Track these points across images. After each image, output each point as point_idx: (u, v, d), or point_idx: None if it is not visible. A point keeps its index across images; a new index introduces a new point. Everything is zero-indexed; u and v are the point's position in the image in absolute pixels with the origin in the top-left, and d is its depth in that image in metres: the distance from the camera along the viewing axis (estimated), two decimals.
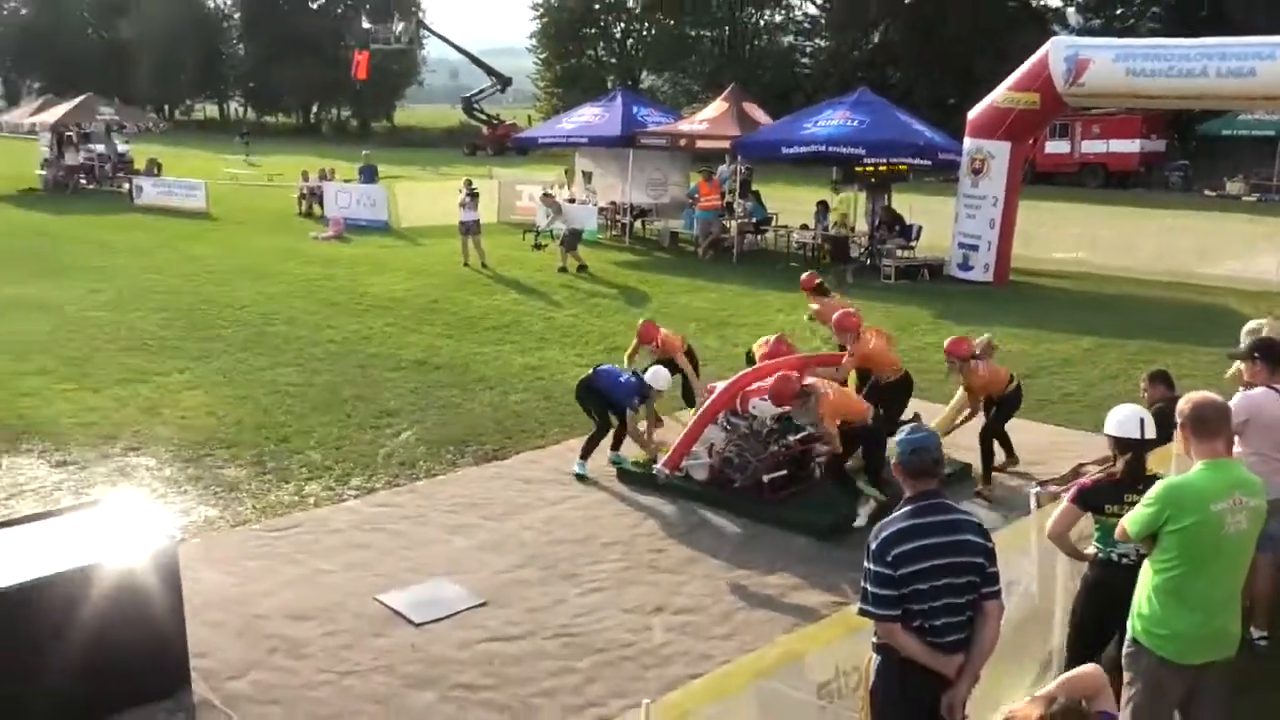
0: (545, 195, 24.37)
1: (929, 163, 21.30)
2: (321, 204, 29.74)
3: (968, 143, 20.59)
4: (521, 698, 6.17)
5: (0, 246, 23.59)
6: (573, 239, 21.58)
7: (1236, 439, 6.18)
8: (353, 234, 26.52)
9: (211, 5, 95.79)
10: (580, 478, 9.75)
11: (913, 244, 21.96)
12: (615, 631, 6.96)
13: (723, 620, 7.15)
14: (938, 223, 21.97)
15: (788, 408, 8.99)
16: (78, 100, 40.63)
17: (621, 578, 7.75)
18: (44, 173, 36.95)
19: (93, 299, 17.71)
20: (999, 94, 20.17)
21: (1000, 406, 9.80)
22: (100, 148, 37.58)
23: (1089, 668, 3.45)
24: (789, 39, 66.38)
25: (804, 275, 12.86)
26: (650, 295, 18.86)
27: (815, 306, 12.28)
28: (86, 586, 5.78)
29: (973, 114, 20.67)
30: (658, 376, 10.10)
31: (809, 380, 8.97)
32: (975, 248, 20.60)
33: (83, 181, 36.43)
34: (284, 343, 14.89)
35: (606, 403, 10.00)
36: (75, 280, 19.44)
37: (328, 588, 7.51)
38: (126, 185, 34.55)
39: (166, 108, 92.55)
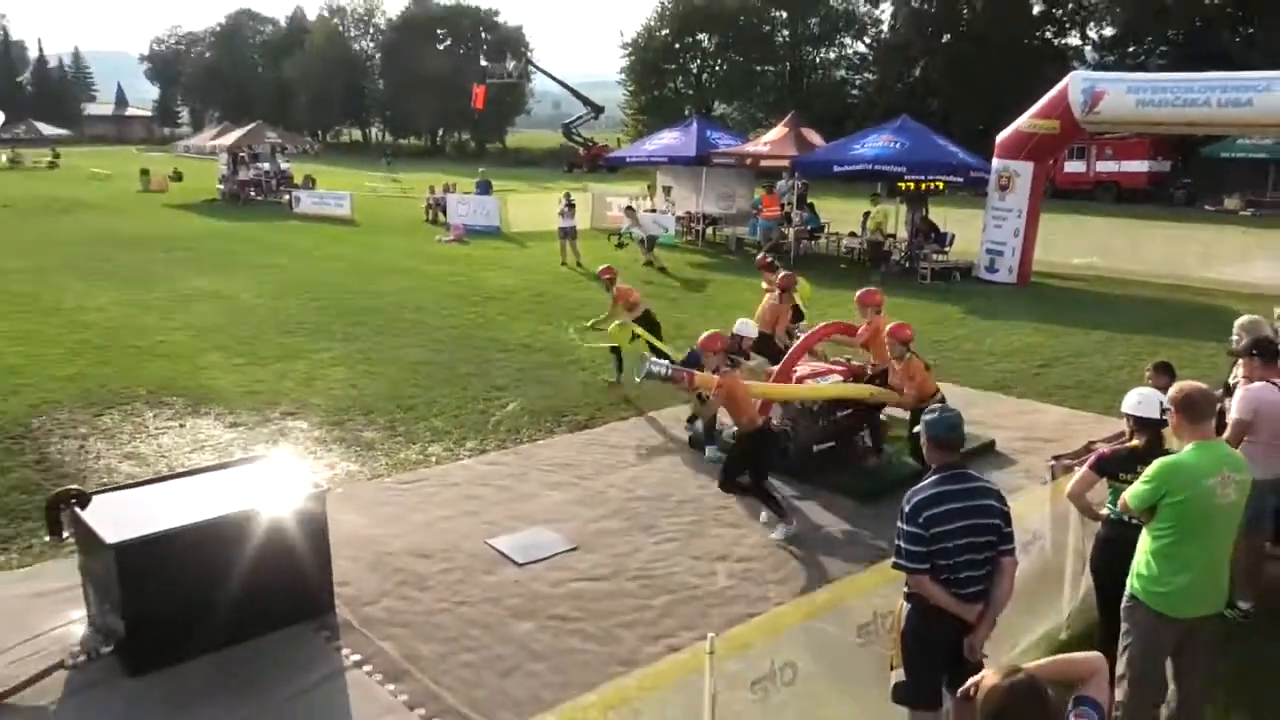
0: (628, 208, 24.81)
1: (961, 179, 20.90)
2: (445, 212, 30.04)
3: (996, 162, 20.15)
4: (605, 628, 6.20)
5: (188, 247, 24.30)
6: (650, 242, 22.47)
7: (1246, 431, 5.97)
8: (471, 237, 26.79)
9: (357, 48, 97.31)
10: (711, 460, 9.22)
11: (946, 250, 21.58)
12: (685, 575, 6.95)
13: (777, 568, 7.11)
14: (968, 231, 21.53)
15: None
16: (249, 127, 41.83)
17: (691, 530, 7.74)
18: (221, 186, 37.93)
19: (259, 290, 18.15)
20: (1024, 120, 19.69)
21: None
22: (266, 166, 38.47)
23: (1090, 654, 3.17)
24: (841, 73, 65.41)
25: (757, 257, 14.13)
26: (718, 291, 18.75)
27: (767, 281, 12.67)
28: (253, 526, 5.93)
29: (1000, 137, 20.23)
30: (745, 325, 9.93)
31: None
32: (1001, 253, 20.18)
33: (252, 194, 37.30)
34: (413, 328, 15.10)
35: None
36: (245, 275, 19.94)
37: (446, 531, 7.61)
38: (287, 196, 35.28)
39: (319, 132, 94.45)
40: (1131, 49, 50.06)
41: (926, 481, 4.35)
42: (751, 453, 7.76)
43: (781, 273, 12.34)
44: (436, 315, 15.97)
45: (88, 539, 5.83)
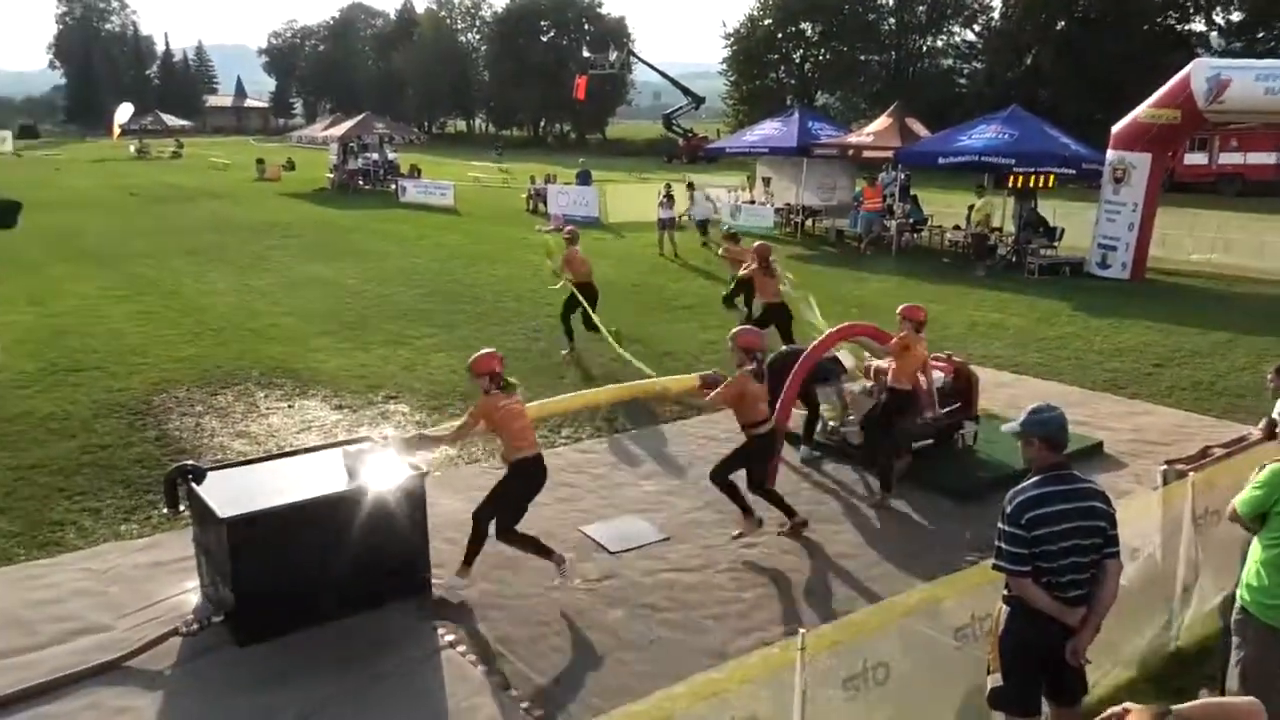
0: (689, 184, 25.94)
1: (1073, 171, 20.19)
2: (545, 202, 30.39)
3: (1110, 154, 19.37)
4: (695, 619, 6.20)
5: (298, 234, 25.13)
6: (703, 225, 23.03)
7: None
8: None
9: (463, 40, 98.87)
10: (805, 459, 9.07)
11: (1055, 244, 20.86)
12: (778, 570, 6.90)
13: (871, 566, 7.00)
14: (1079, 225, 20.76)
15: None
16: (359, 118, 42.85)
17: (784, 524, 7.66)
18: (331, 175, 39.06)
19: (366, 276, 18.67)
20: (1142, 110, 18.87)
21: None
22: (375, 156, 39.42)
23: (1247, 701, 2.94)
24: (948, 62, 63.66)
25: (724, 248, 14.83)
26: (816, 283, 18.46)
27: (725, 248, 14.48)
28: (356, 505, 6.12)
29: (1116, 128, 19.43)
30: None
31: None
32: (1114, 248, 19.40)
33: (360, 183, 38.31)
34: (512, 315, 15.33)
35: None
36: (353, 262, 20.53)
37: (540, 518, 7.68)
38: (394, 186, 36.14)
39: (425, 123, 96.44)
40: (1260, 35, 47.56)
41: (1029, 481, 4.23)
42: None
43: (746, 244, 13.67)
44: (534, 304, 16.16)
45: (202, 513, 6.10)
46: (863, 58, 64.27)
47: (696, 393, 8.16)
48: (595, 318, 12.47)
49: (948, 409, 9.00)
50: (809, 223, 26.36)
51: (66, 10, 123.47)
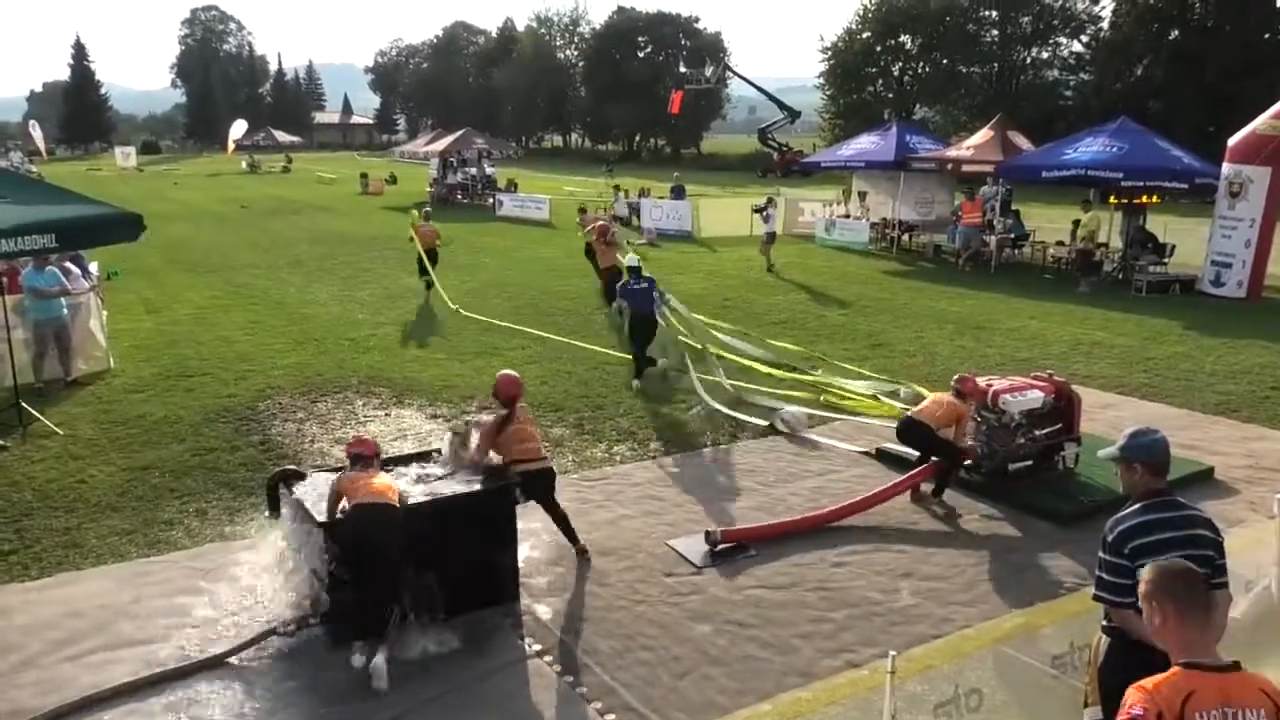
0: (769, 200, 24.69)
1: (1185, 186, 19.39)
2: (639, 216, 30.58)
3: (1227, 168, 18.55)
4: (783, 638, 6.12)
5: (399, 247, 25.76)
6: (770, 237, 22.36)
7: None
8: (662, 241, 27.15)
9: (561, 57, 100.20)
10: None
11: (1165, 261, 20.06)
12: (867, 590, 6.78)
13: (965, 589, 6.81)
14: (1191, 241, 19.97)
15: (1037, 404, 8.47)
16: (459, 133, 43.88)
17: (876, 544, 7.53)
18: (431, 189, 40.02)
19: (462, 288, 19.02)
20: (1262, 122, 18.05)
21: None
22: (473, 170, 40.25)
23: None
24: (1054, 73, 61.88)
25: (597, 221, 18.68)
26: (912, 300, 18.17)
27: (591, 227, 18.76)
28: (448, 513, 6.22)
29: (1233, 140, 18.61)
30: None
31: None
32: (1229, 265, 18.56)
33: (459, 196, 39.15)
34: (603, 328, 15.42)
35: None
36: (450, 274, 20.93)
37: (628, 530, 7.73)
38: (491, 200, 36.84)
39: (523, 138, 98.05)
40: None
41: (1132, 509, 4.06)
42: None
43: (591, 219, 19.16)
44: None
45: (300, 516, 6.28)
46: (963, 70, 62.97)
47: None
48: (432, 272, 18.14)
49: (1047, 430, 8.72)
50: (905, 238, 25.94)
51: (189, 32, 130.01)
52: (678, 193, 32.11)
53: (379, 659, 5.64)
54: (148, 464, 9.23)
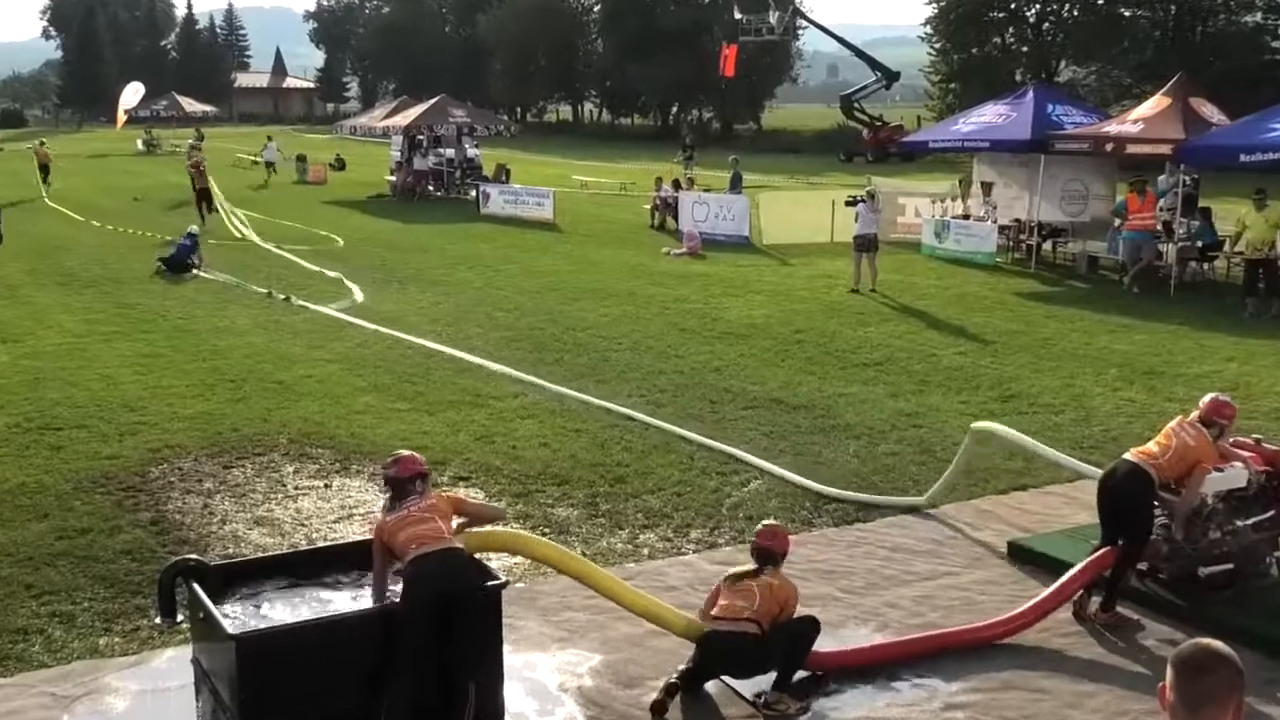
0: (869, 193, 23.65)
1: None
2: (676, 216, 30.61)
3: None
4: None
5: (344, 257, 25.98)
6: (864, 243, 21.62)
7: None
8: (709, 250, 27.13)
9: (570, 1, 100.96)
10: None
11: None
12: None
13: None
14: None
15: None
16: (430, 102, 44.20)
17: (1004, 679, 7.36)
18: (393, 179, 40.26)
19: (432, 313, 19.10)
20: None
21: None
22: (450, 152, 40.52)
23: None
24: (1254, 18, 61.69)
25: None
26: (1059, 333, 18.04)
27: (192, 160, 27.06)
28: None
29: None
30: None
31: None
32: None
33: (430, 188, 39.40)
34: (626, 370, 15.40)
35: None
36: (415, 292, 21.07)
37: (661, 653, 7.59)
38: (474, 192, 37.01)
39: (519, 109, 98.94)
40: None
41: None
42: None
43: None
44: (657, 355, 16.21)
45: (205, 625, 6.25)
46: (1126, 13, 63.04)
47: None
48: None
49: (1255, 520, 8.55)
50: (1048, 246, 25.83)
51: None
52: (735, 183, 32.09)
53: None
54: None
